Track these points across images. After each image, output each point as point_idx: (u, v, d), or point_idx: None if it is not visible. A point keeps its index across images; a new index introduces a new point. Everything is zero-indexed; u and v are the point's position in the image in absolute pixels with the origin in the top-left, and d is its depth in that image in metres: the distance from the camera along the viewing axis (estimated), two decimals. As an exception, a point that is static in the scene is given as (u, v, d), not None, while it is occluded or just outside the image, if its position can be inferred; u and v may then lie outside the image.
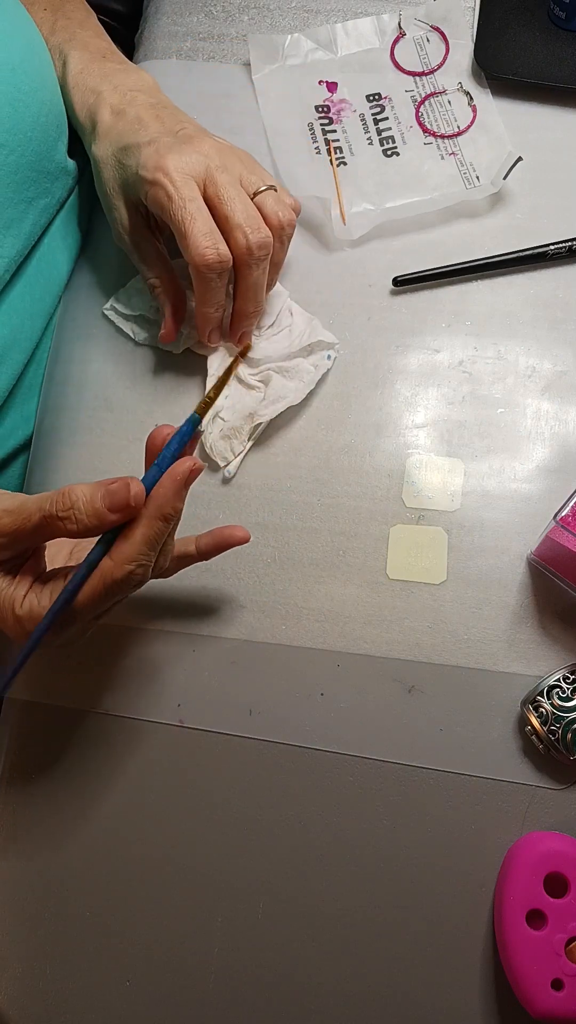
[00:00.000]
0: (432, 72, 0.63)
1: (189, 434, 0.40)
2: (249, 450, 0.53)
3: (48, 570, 0.41)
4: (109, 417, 0.55)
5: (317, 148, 0.61)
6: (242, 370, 0.53)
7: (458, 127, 0.61)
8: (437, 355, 0.55)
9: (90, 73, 0.53)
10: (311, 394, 0.54)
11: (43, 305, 0.55)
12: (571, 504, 0.44)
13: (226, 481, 0.53)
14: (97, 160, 0.52)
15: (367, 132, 0.62)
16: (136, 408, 0.55)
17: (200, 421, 0.40)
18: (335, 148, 0.61)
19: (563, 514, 0.44)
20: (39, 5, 0.56)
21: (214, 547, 0.47)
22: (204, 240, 0.47)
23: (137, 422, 0.55)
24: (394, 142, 0.61)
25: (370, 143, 0.61)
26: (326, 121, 0.62)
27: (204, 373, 0.54)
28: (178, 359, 0.56)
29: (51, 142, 0.51)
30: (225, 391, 0.53)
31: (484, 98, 0.62)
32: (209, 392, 0.43)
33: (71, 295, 0.59)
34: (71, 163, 0.54)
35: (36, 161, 0.50)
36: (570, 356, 0.55)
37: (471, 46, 0.63)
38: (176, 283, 0.53)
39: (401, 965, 0.45)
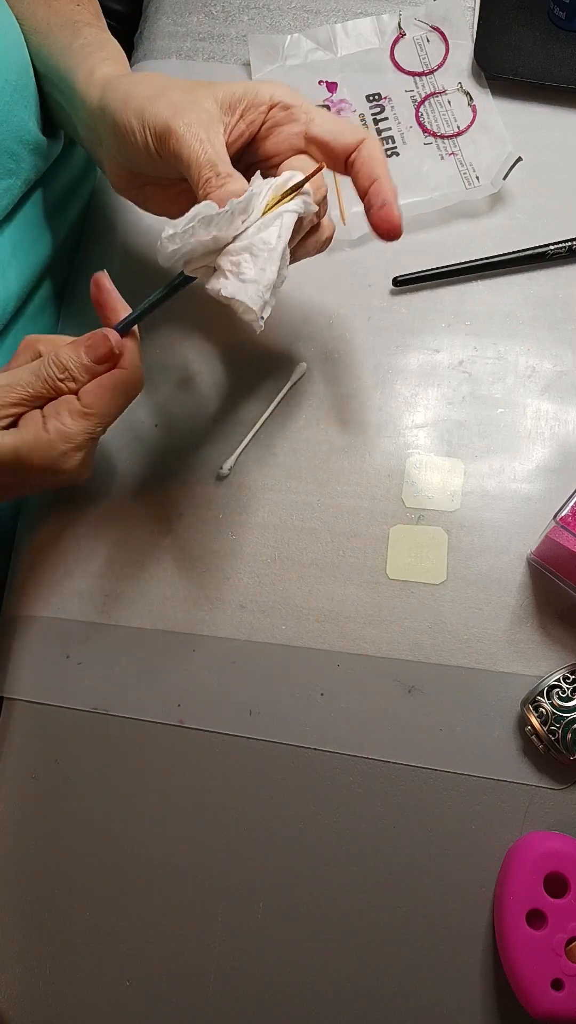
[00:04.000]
0: (432, 72, 0.63)
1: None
2: (247, 448, 0.53)
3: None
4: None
5: (317, 148, 0.61)
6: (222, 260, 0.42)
7: (458, 127, 0.61)
8: (437, 355, 0.55)
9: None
10: (311, 394, 0.54)
11: (12, 289, 0.55)
12: (571, 504, 0.44)
13: (222, 479, 0.53)
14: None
15: (367, 132, 0.62)
16: (137, 413, 0.55)
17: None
18: (335, 148, 0.61)
19: (563, 514, 0.44)
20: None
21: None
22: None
23: (138, 422, 0.55)
24: (394, 142, 0.61)
25: (370, 143, 0.61)
26: (326, 121, 0.62)
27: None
28: (181, 371, 0.56)
29: (18, 121, 0.49)
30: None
31: (484, 98, 0.62)
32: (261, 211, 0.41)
33: (69, 308, 0.59)
34: (43, 141, 0.53)
35: None
36: (570, 356, 0.55)
37: (471, 46, 0.63)
38: None
39: (401, 965, 0.45)
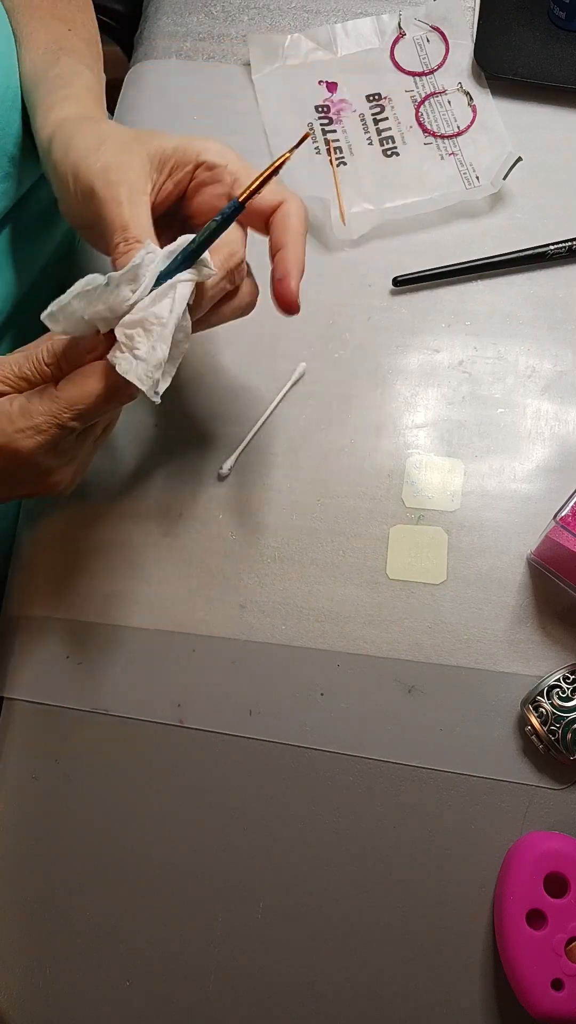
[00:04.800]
0: (432, 72, 0.63)
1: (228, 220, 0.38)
2: (247, 448, 0.53)
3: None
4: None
5: (317, 148, 0.61)
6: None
7: (458, 127, 0.61)
8: (437, 355, 0.55)
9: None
10: (311, 394, 0.54)
11: (10, 289, 0.54)
12: (571, 504, 0.44)
13: (222, 479, 0.53)
14: None
15: (367, 132, 0.62)
16: (138, 413, 0.55)
17: (241, 208, 0.37)
18: (335, 148, 0.61)
19: (563, 514, 0.44)
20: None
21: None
22: None
23: (138, 422, 0.55)
24: (394, 142, 0.61)
25: (370, 143, 0.61)
26: (326, 121, 0.62)
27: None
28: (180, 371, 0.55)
29: (17, 126, 0.49)
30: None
31: (484, 98, 0.62)
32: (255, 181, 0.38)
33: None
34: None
35: None
36: (570, 356, 0.55)
37: (471, 46, 0.63)
38: None
39: (401, 965, 0.45)
